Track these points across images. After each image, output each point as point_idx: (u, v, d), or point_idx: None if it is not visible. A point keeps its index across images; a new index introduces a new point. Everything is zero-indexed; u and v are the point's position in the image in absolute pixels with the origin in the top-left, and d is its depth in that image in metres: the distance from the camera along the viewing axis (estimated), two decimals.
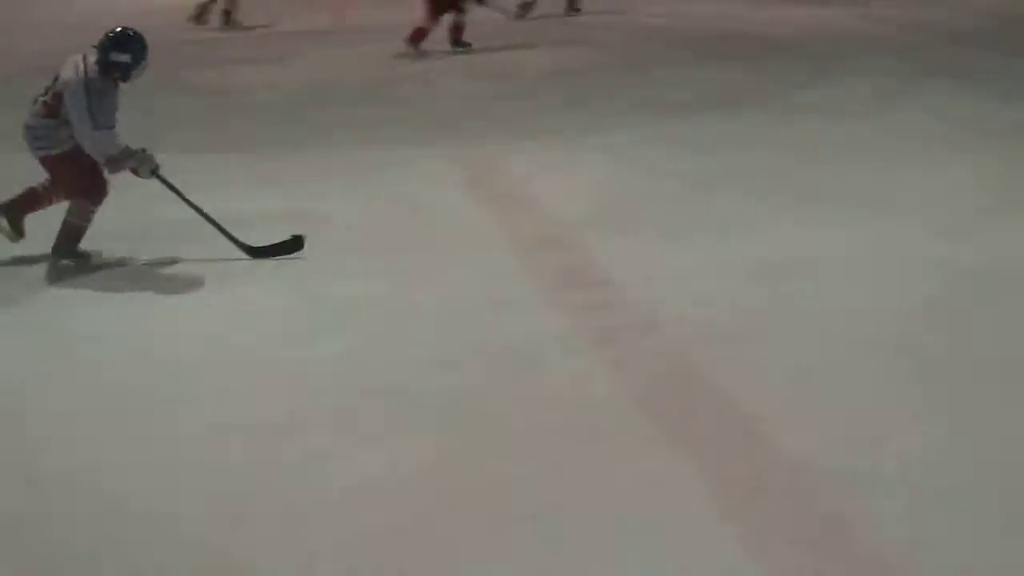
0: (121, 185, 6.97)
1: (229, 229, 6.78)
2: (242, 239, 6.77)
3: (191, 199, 6.79)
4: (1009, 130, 9.25)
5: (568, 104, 10.91)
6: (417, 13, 13.87)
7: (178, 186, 6.78)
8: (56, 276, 6.71)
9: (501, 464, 4.38)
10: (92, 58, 6.54)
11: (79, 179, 6.76)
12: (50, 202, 6.96)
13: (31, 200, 6.95)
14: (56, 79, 6.57)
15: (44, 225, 6.81)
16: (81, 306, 6.21)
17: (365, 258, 6.78)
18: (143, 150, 6.64)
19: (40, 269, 6.77)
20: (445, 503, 4.13)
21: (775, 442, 4.49)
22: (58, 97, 6.52)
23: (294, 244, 6.85)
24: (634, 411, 4.78)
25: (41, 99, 6.63)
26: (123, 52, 6.55)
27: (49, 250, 6.86)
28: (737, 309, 5.82)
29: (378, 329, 5.74)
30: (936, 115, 9.84)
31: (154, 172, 6.72)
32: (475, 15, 14.37)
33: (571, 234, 7.09)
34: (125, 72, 6.58)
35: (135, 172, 6.68)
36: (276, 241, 6.84)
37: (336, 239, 7.07)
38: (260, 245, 6.82)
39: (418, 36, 13.76)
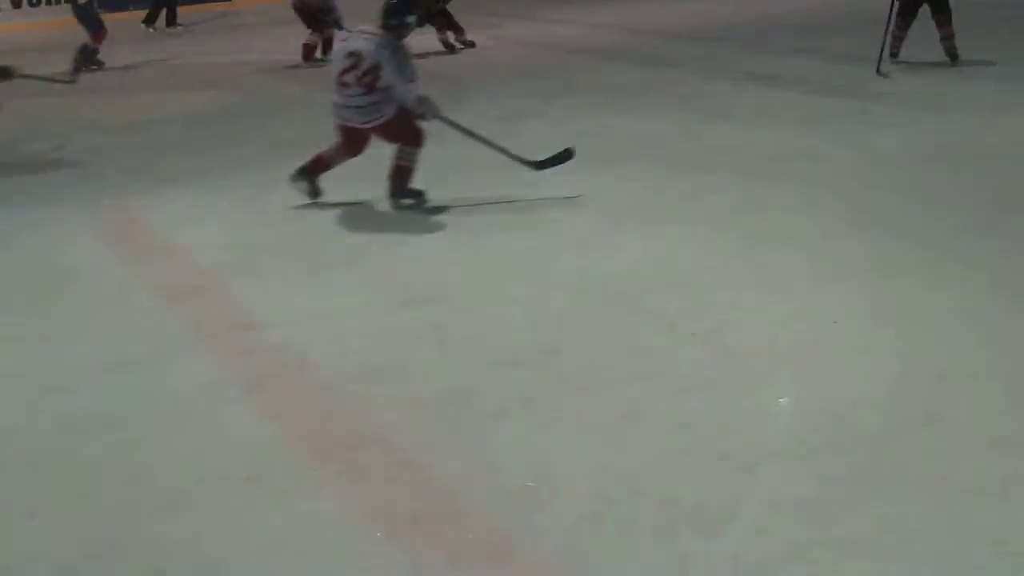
0: None
1: None
2: None
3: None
4: (626, 146, 9.70)
5: (204, 150, 10.76)
6: None
7: None
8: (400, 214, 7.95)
9: (167, 524, 4.29)
10: (372, 29, 7.94)
11: (409, 131, 8.17)
12: (335, 164, 8.42)
13: (321, 164, 8.39)
14: (356, 61, 7.85)
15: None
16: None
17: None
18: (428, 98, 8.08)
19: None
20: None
21: (435, 471, 4.55)
22: (371, 74, 7.81)
23: (566, 154, 8.61)
24: (295, 453, 4.75)
25: (355, 78, 7.88)
26: (408, 14, 7.93)
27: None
28: (385, 342, 5.86)
29: (22, 397, 5.51)
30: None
31: (436, 115, 8.14)
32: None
33: (214, 280, 6.99)
34: (407, 30, 7.98)
35: (422, 116, 8.14)
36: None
37: None
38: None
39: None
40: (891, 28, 12.38)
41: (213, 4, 23.80)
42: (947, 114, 10.30)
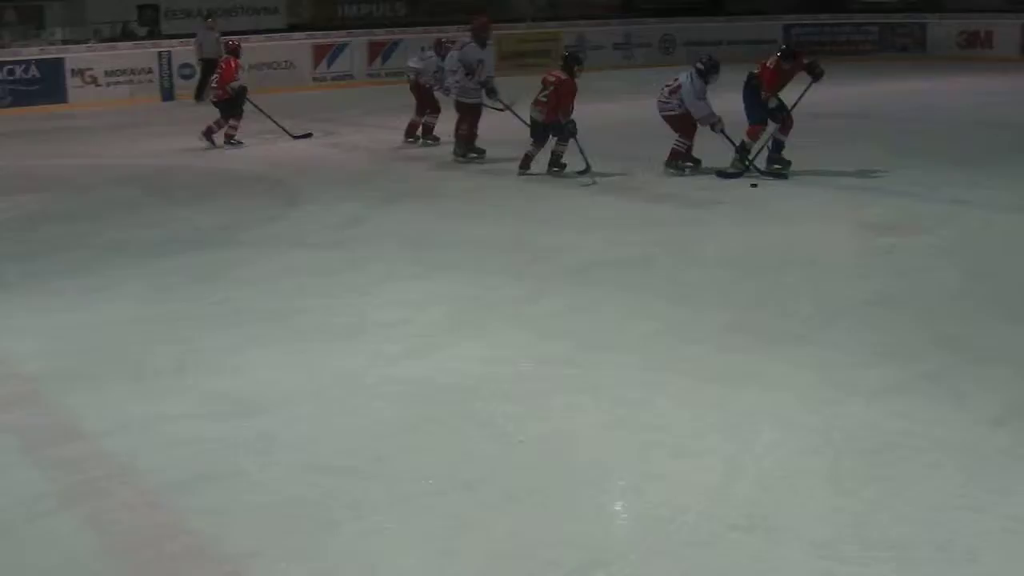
0: None
1: None
2: None
3: None
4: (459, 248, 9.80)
5: (31, 254, 10.50)
6: None
7: None
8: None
9: None
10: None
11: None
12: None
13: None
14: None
15: None
16: None
17: None
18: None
19: None
20: None
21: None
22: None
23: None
24: (120, 566, 4.64)
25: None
26: None
27: None
28: (213, 451, 5.75)
29: None
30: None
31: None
32: None
33: (36, 388, 6.82)
34: None
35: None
36: None
37: None
38: None
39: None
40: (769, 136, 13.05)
41: (47, 106, 23.47)
42: (774, 223, 10.60)
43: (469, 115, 14.54)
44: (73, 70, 24.30)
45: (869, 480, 5.21)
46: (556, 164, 13.29)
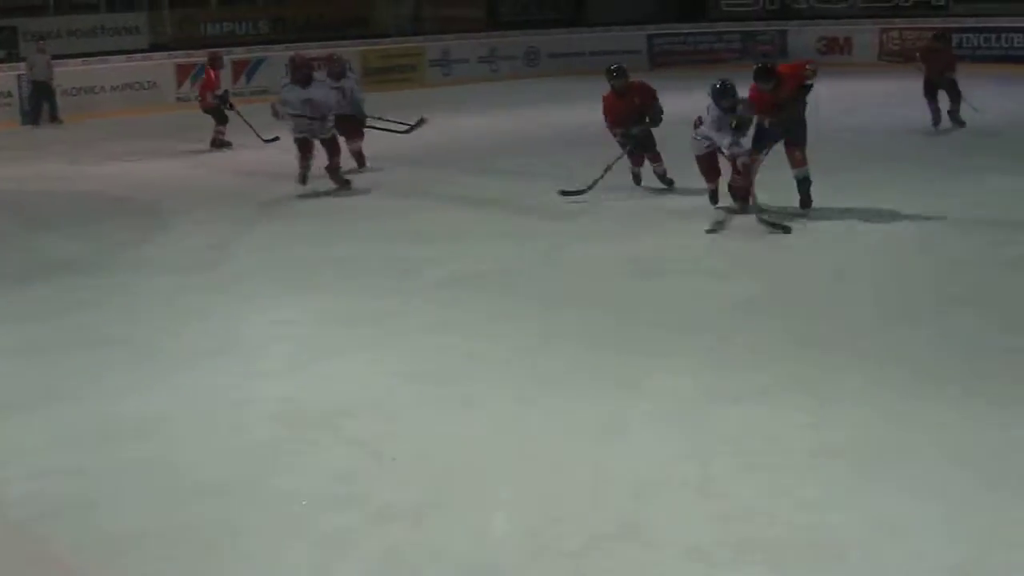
0: None
1: None
2: None
3: None
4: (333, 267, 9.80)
5: None
6: None
7: None
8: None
9: None
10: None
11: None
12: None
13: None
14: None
15: None
16: None
17: None
18: None
19: None
20: None
21: None
22: None
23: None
24: None
25: None
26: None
27: None
28: (80, 478, 5.69)
29: None
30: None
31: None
32: None
33: None
34: None
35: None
36: None
37: None
38: None
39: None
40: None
41: None
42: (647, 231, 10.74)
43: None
44: None
45: (741, 483, 5.32)
46: (663, 181, 12.50)
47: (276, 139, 16.29)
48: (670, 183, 12.46)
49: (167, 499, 5.44)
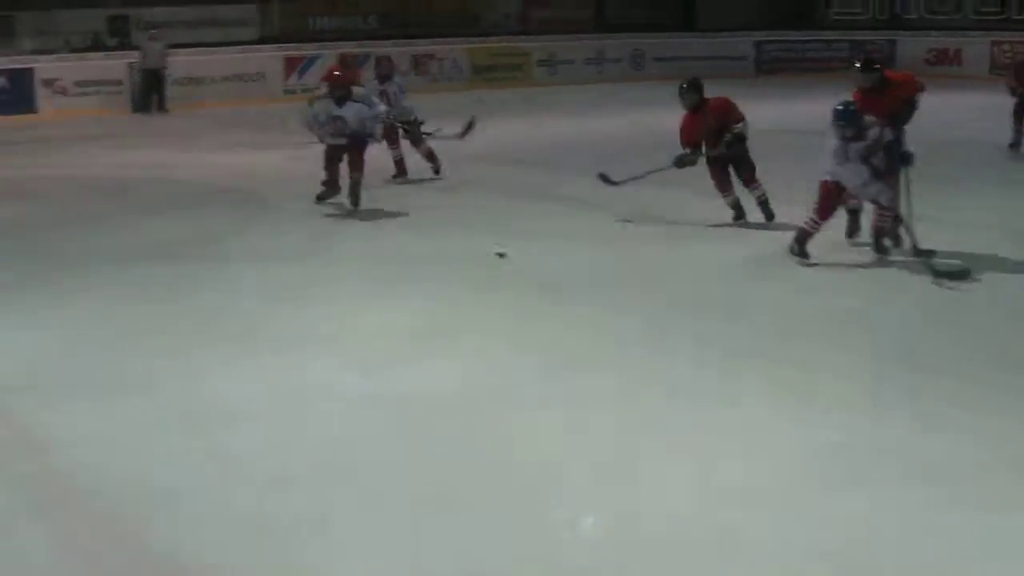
0: None
1: None
2: None
3: None
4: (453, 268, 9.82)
5: (4, 263, 10.41)
6: None
7: None
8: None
9: None
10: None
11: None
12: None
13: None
14: None
15: None
16: None
17: None
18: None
19: None
20: None
21: None
22: None
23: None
24: None
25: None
26: None
27: None
28: (174, 463, 5.76)
29: None
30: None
31: None
32: None
33: (3, 401, 6.79)
34: None
35: None
36: None
37: None
38: None
39: None
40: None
41: (16, 116, 23.36)
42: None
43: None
44: (43, 80, 24.19)
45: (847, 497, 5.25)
46: (763, 210, 11.05)
47: (471, 125, 16.25)
48: (770, 216, 10.99)
49: (257, 489, 5.49)
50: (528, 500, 5.29)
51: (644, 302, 8.56)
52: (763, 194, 11.05)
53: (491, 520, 5.08)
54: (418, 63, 27.49)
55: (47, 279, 9.66)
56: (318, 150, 12.51)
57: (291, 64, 25.57)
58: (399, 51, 26.96)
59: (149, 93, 23.80)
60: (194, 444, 6.03)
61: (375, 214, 11.81)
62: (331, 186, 12.43)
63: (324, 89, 13.12)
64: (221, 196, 13.64)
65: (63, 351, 7.72)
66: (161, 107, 23.32)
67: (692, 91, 11.10)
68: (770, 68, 29.93)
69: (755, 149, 11.12)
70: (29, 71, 24.11)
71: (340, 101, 12.25)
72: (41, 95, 24.10)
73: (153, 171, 15.79)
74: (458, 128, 14.95)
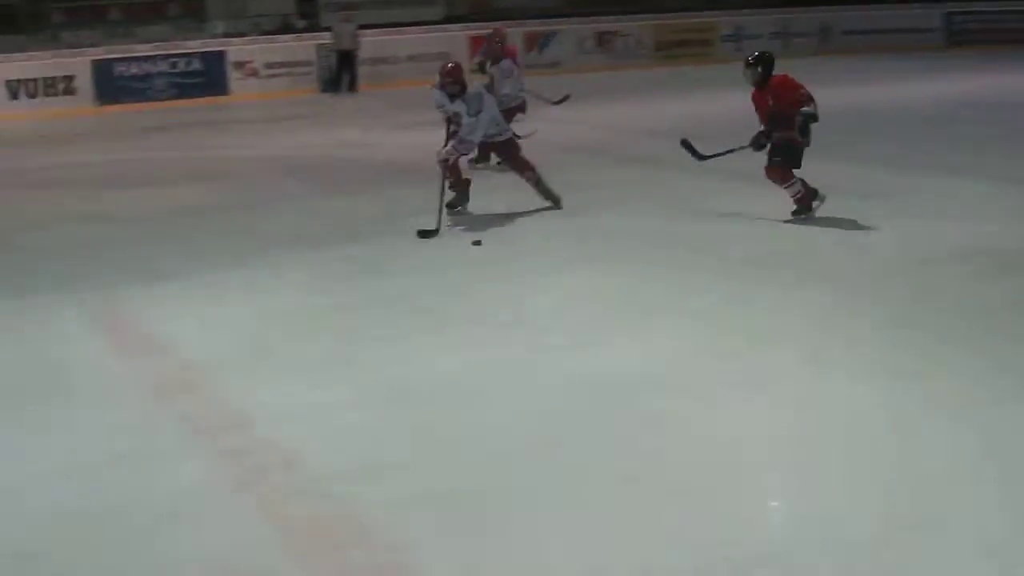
0: None
1: None
2: None
3: None
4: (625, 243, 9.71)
5: (197, 244, 10.71)
6: None
7: None
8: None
9: None
10: None
11: None
12: None
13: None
14: None
15: None
16: None
17: None
18: None
19: None
20: None
21: (429, 570, 4.49)
22: None
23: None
24: (285, 554, 4.67)
25: None
26: None
27: None
28: (379, 441, 5.80)
29: (10, 491, 5.38)
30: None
31: None
32: None
33: (206, 376, 6.92)
34: None
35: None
36: None
37: None
38: None
39: None
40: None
41: (209, 98, 23.97)
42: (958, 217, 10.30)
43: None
44: (234, 63, 24.79)
45: None
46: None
47: (567, 98, 16.26)
48: (805, 208, 10.22)
49: (458, 464, 5.49)
50: (732, 479, 5.17)
51: (848, 282, 8.34)
52: (800, 191, 10.20)
53: (692, 500, 4.97)
54: (602, 40, 27.44)
55: (243, 258, 9.87)
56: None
57: (477, 43, 25.71)
58: (583, 28, 26.95)
59: (341, 74, 24.21)
60: (399, 420, 6.08)
61: (566, 186, 11.70)
62: (461, 186, 11.38)
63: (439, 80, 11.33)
64: (409, 174, 13.73)
65: (264, 328, 7.84)
66: (352, 87, 23.72)
67: (755, 63, 10.22)
68: (961, 40, 29.08)
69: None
70: (221, 54, 24.77)
71: (452, 95, 11.03)
72: (233, 77, 24.72)
73: (342, 150, 16.03)
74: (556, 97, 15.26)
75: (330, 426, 5.99)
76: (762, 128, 10.17)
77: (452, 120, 11.09)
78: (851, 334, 7.14)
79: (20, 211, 12.97)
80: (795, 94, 9.99)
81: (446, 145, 11.03)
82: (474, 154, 12.46)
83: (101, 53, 24.41)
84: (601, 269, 8.98)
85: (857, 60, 26.26)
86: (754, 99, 10.30)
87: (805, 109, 9.88)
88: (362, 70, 24.35)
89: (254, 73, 24.92)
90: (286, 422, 6.04)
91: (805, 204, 10.22)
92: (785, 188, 10.22)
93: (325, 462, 5.52)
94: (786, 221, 10.09)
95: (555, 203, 11.22)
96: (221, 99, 24.29)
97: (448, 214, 10.82)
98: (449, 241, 9.92)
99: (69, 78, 23.92)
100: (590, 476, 5.27)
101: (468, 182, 11.50)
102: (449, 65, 11.25)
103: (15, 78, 23.62)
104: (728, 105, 16.71)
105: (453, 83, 10.98)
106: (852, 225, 10.03)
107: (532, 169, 11.27)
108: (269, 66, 24.96)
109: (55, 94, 23.79)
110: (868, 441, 5.55)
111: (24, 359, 7.41)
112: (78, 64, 24.07)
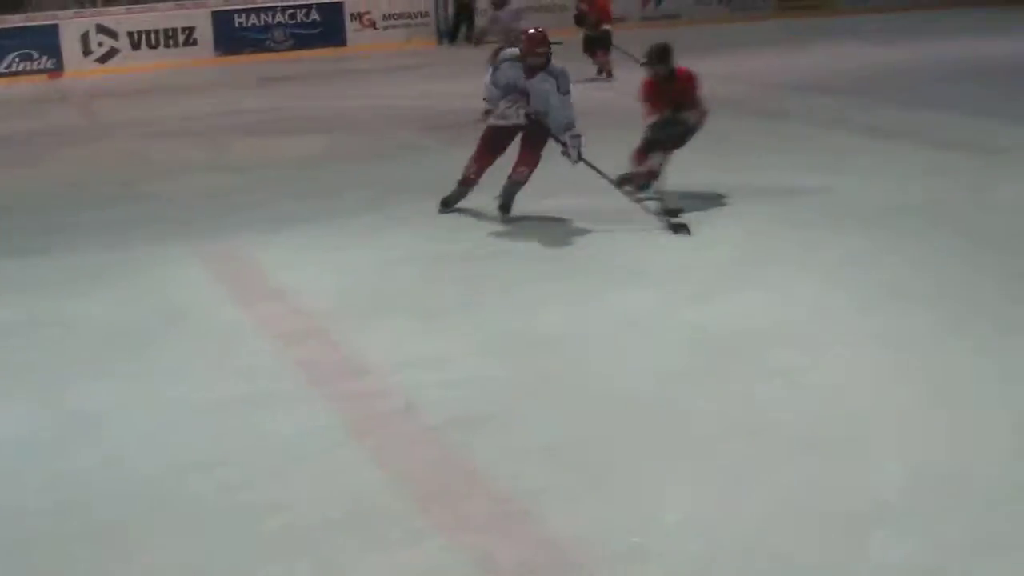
0: None
1: None
2: None
3: None
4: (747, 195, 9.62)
5: (317, 193, 10.81)
6: None
7: None
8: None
9: (270, 565, 4.27)
10: None
11: None
12: None
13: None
14: None
15: None
16: None
17: (114, 360, 6.53)
18: None
19: None
20: None
21: (542, 523, 4.49)
22: None
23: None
24: (400, 500, 4.71)
25: None
26: None
27: None
28: (495, 390, 5.81)
29: (134, 433, 5.53)
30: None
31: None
32: None
33: (325, 324, 6.99)
34: None
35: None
36: None
37: (83, 342, 6.85)
38: None
39: None
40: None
41: (327, 49, 24.13)
42: None
43: None
44: (352, 14, 24.92)
45: None
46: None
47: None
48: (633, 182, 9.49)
49: (576, 414, 5.49)
50: (853, 435, 5.13)
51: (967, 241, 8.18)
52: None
53: (813, 454, 4.94)
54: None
55: (365, 207, 9.98)
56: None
57: None
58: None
59: (459, 26, 24.22)
60: (518, 369, 6.09)
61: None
62: (467, 185, 9.68)
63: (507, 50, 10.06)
64: None
65: (385, 276, 7.93)
66: (470, 39, 23.70)
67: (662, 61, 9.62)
68: None
69: None
70: (339, 5, 24.91)
71: (532, 72, 9.24)
72: (351, 28, 24.84)
73: (459, 101, 15.99)
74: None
75: (448, 374, 6.02)
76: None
77: (515, 103, 9.36)
78: (977, 291, 7.03)
79: (146, 160, 13.21)
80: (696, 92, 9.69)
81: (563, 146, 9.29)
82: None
83: (221, 4, 24.70)
84: (726, 222, 8.90)
85: (992, 11, 25.67)
86: (653, 89, 9.74)
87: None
88: (481, 21, 24.34)
89: (372, 24, 25.04)
90: (405, 369, 6.09)
91: (640, 181, 9.53)
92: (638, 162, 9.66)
93: (443, 410, 5.56)
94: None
95: (503, 211, 9.41)
96: (339, 50, 24.45)
97: (444, 211, 9.68)
98: (566, 198, 9.87)
99: (190, 29, 24.26)
100: (712, 427, 5.25)
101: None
102: (537, 30, 9.43)
103: (137, 29, 23.99)
104: (855, 60, 16.54)
105: (543, 53, 9.20)
106: (980, 183, 9.85)
107: (529, 170, 9.47)
108: (387, 17, 25.06)
109: (176, 45, 24.14)
110: (992, 400, 5.45)
111: (147, 305, 7.53)
112: (198, 15, 24.41)
